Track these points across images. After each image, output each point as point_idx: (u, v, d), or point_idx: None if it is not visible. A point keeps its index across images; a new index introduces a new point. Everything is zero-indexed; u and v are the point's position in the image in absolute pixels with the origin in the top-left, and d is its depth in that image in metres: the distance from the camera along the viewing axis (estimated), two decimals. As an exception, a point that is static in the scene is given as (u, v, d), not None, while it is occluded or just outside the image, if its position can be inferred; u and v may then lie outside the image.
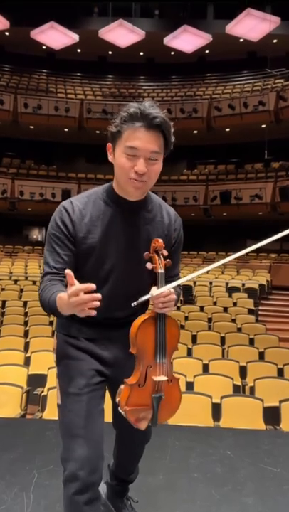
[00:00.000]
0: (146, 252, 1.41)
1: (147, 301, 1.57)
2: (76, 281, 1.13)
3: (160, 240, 1.42)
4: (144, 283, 1.45)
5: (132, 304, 1.36)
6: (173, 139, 1.37)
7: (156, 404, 1.39)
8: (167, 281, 1.40)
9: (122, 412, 1.37)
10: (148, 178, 1.35)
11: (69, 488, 1.35)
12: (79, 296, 1.11)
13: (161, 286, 1.37)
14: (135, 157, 1.31)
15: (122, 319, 1.49)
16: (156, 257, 1.41)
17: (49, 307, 1.29)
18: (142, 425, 1.40)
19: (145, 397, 1.38)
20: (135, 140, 1.30)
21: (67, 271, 1.14)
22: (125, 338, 1.46)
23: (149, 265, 1.40)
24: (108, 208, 1.42)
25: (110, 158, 1.41)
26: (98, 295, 1.12)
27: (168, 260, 1.41)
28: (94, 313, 1.14)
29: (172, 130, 1.36)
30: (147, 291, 1.40)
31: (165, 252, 1.42)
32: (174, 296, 1.37)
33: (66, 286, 1.33)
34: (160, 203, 1.53)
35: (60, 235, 1.39)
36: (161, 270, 1.39)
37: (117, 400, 1.38)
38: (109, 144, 1.40)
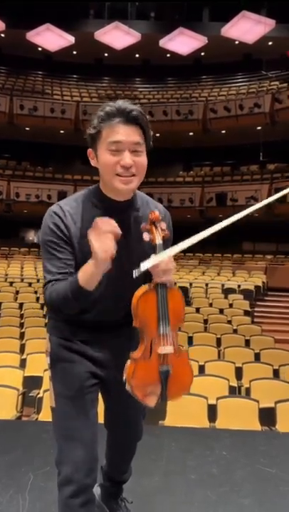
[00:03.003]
0: (144, 224, 1.38)
1: None
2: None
3: (156, 212, 1.39)
4: (136, 284, 1.44)
5: (134, 275, 1.31)
6: (151, 133, 1.36)
7: (164, 378, 1.34)
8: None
9: (128, 388, 1.32)
10: (136, 172, 1.34)
11: (64, 491, 1.35)
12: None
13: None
14: (119, 152, 1.31)
15: (115, 321, 1.48)
16: (154, 228, 1.37)
17: (72, 292, 1.26)
18: (151, 401, 1.35)
19: (152, 371, 1.34)
20: (116, 134, 1.30)
21: None
22: (119, 340, 1.45)
23: (146, 236, 1.35)
24: (98, 210, 1.39)
25: (93, 162, 1.39)
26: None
27: (166, 232, 1.39)
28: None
29: (150, 124, 1.35)
30: None
31: (163, 225, 1.39)
32: (174, 264, 1.35)
33: None
34: (147, 200, 1.52)
35: (56, 239, 1.35)
36: (159, 241, 1.35)
37: (124, 377, 1.35)
38: (89, 150, 1.38)
